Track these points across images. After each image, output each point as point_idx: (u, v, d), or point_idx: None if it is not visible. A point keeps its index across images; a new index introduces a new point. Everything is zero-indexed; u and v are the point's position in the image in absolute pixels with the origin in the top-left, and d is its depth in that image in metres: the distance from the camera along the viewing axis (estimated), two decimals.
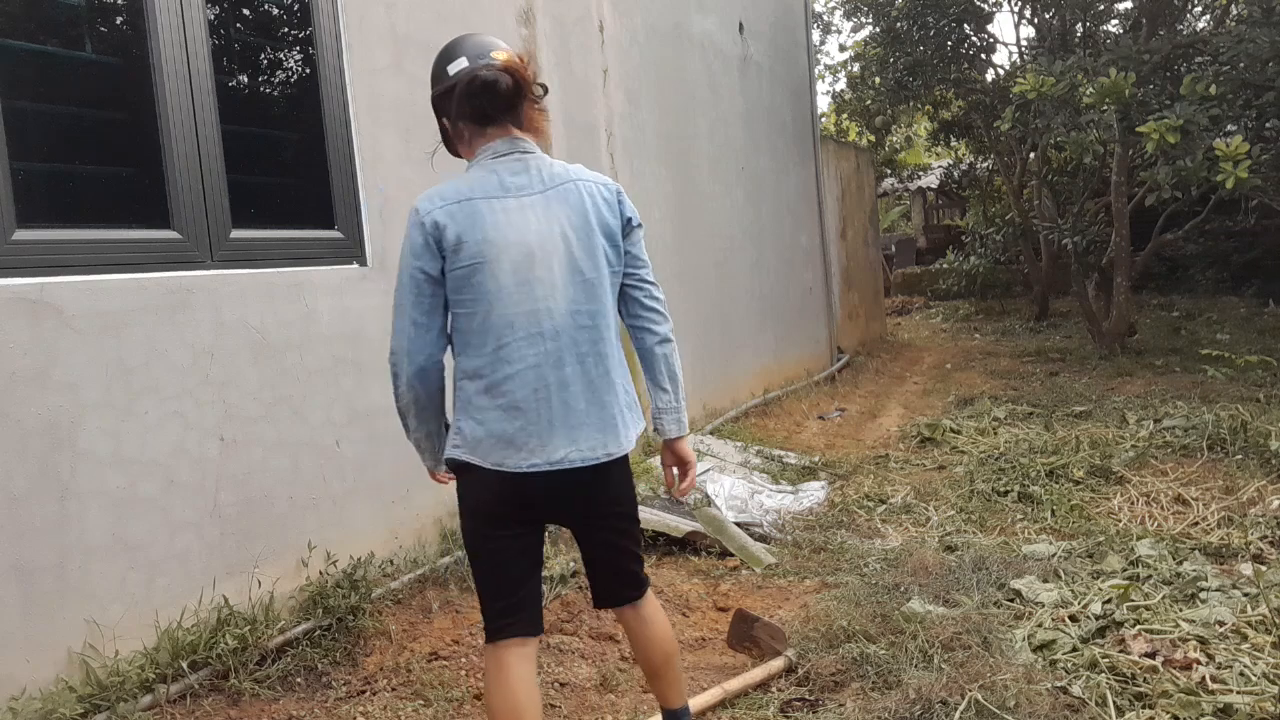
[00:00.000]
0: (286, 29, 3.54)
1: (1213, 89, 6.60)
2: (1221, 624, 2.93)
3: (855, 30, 13.31)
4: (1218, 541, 3.74)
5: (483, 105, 2.01)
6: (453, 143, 2.15)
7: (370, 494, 3.60)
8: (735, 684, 2.81)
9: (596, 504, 2.11)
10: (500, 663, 2.04)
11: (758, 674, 2.90)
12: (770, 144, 8.12)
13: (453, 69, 2.03)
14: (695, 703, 2.57)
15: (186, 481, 2.96)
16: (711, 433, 6.05)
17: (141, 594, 2.82)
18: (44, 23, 2.79)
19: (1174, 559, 3.56)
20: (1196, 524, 4.06)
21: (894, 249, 18.74)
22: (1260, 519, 3.98)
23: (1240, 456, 4.92)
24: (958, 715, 2.46)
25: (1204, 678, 2.59)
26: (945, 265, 15.31)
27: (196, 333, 3.01)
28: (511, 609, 2.06)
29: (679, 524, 4.13)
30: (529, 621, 2.08)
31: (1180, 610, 3.07)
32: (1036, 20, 10.48)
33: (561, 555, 3.87)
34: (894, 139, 18.33)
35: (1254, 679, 2.57)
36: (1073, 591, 3.30)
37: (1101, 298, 10.12)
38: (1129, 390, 7.24)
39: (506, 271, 1.95)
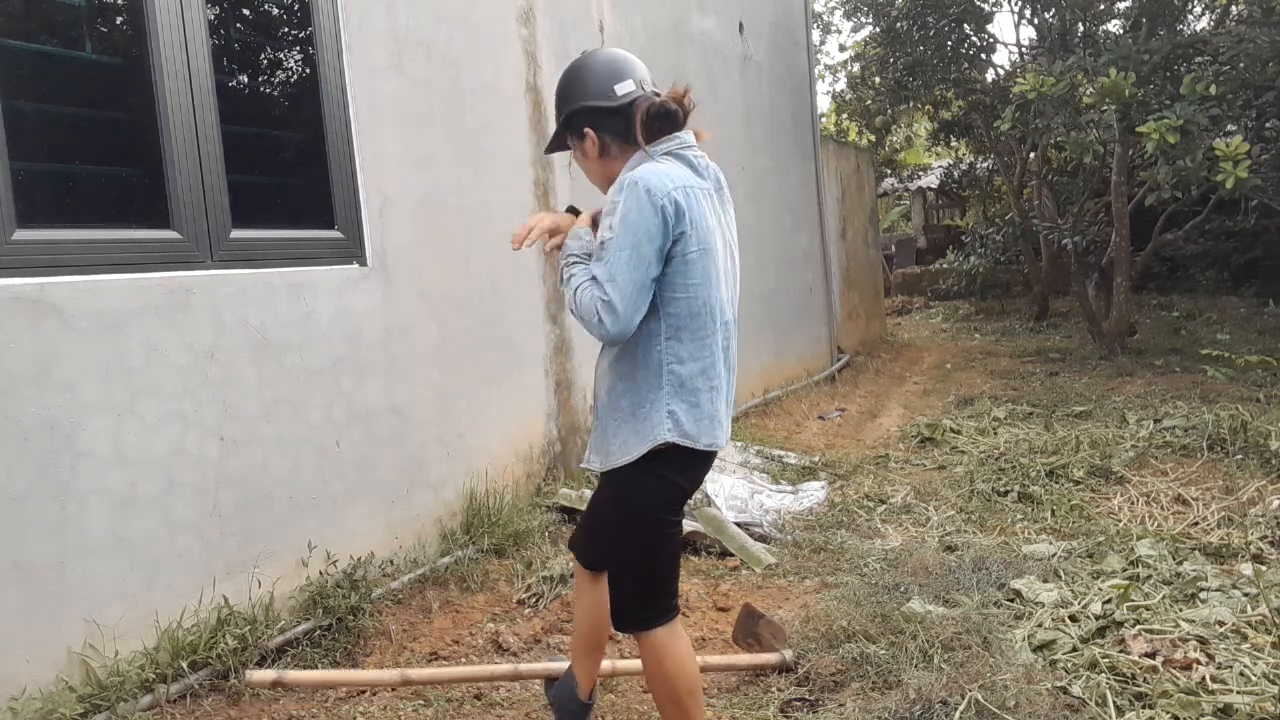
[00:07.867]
0: (286, 29, 3.54)
1: (1213, 89, 6.60)
2: (1221, 624, 2.93)
3: (855, 30, 13.28)
4: (1218, 541, 3.74)
5: (662, 129, 2.08)
6: (578, 147, 2.17)
7: (370, 494, 3.60)
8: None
9: None
10: (678, 635, 2.15)
11: (743, 659, 2.95)
12: (770, 144, 8.12)
13: (621, 89, 2.07)
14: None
15: (186, 481, 2.96)
16: None
17: (141, 594, 2.82)
18: (44, 23, 2.79)
19: (1174, 559, 3.56)
20: (1196, 524, 4.06)
21: (894, 249, 18.75)
22: (1260, 519, 3.98)
23: (1240, 456, 4.92)
24: (958, 715, 2.46)
25: (1204, 678, 2.59)
26: (945, 265, 15.31)
27: (196, 333, 3.01)
28: (676, 589, 2.18)
29: None
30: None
31: (1180, 610, 3.07)
32: (1036, 20, 10.47)
33: (561, 555, 3.87)
34: (894, 139, 18.33)
35: (1254, 679, 2.57)
36: (1073, 591, 3.30)
37: (1101, 298, 10.12)
38: (1129, 390, 7.24)
39: (717, 260, 2.06)
